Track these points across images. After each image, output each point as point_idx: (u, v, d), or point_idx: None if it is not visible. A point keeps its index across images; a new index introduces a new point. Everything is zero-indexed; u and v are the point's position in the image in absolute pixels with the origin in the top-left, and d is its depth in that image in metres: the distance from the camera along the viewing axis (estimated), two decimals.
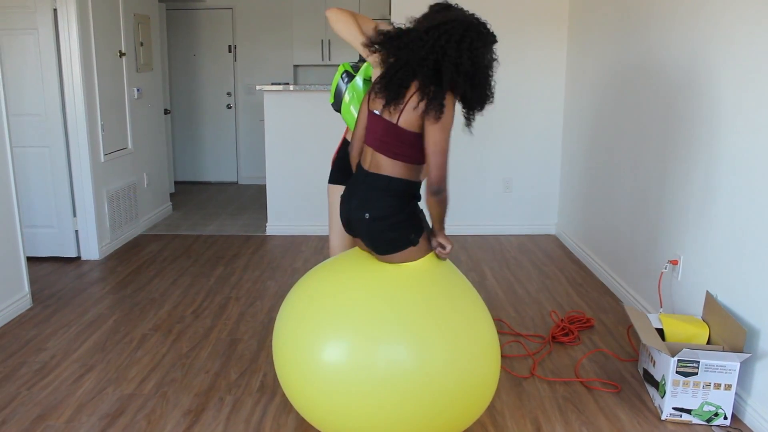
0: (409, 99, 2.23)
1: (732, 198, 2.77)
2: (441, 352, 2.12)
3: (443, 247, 2.36)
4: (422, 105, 2.20)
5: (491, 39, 2.26)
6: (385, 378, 2.08)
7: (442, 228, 2.37)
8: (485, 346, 2.24)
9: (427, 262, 2.35)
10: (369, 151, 2.37)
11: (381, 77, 2.31)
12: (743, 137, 2.69)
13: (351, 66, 2.63)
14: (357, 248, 2.52)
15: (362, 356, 2.10)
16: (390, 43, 2.29)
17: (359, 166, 2.42)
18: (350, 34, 2.52)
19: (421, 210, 2.42)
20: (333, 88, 2.64)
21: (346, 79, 2.59)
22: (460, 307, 2.25)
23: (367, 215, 2.31)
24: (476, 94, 2.29)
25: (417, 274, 2.29)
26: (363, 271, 2.31)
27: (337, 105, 2.68)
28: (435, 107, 2.19)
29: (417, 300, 2.19)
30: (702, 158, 3.04)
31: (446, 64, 2.18)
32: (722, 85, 2.87)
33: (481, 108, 2.34)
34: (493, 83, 2.31)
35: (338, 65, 2.63)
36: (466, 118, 2.39)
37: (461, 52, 2.18)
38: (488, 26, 2.27)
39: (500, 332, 3.51)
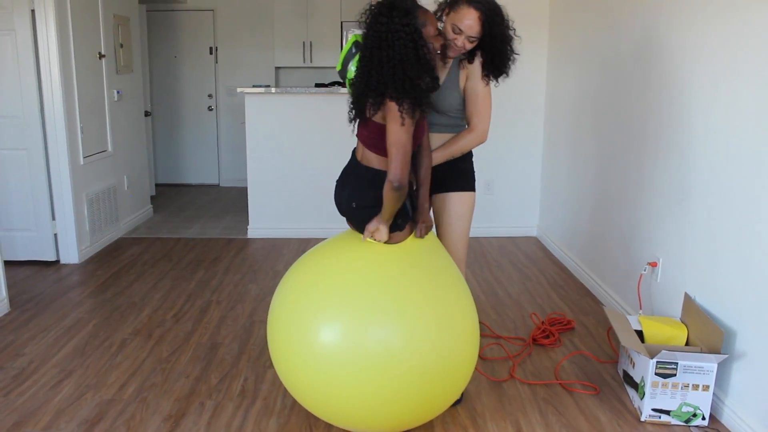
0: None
1: (708, 200, 2.80)
2: (427, 332, 2.22)
3: (374, 235, 2.41)
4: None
5: (401, 10, 2.23)
6: (374, 357, 2.17)
7: (388, 219, 2.37)
8: (466, 326, 2.35)
9: (417, 244, 2.47)
10: (360, 145, 2.49)
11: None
12: (719, 140, 2.72)
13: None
14: (350, 230, 2.61)
15: (353, 337, 2.19)
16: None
17: (353, 155, 2.54)
18: None
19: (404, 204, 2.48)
20: (342, 57, 2.67)
21: (354, 51, 2.59)
22: (444, 289, 2.34)
23: (354, 204, 2.45)
24: (422, 72, 2.28)
25: (407, 257, 2.38)
26: (356, 254, 2.40)
27: (343, 73, 2.70)
28: (375, 106, 2.29)
29: (405, 282, 2.29)
30: (679, 161, 3.07)
31: (383, 75, 2.23)
32: (697, 88, 2.90)
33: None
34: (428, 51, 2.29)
35: (339, 55, 2.65)
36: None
37: (381, 51, 2.22)
38: (387, 6, 2.25)
39: (481, 335, 3.52)
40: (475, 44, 2.58)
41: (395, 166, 2.25)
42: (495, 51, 2.60)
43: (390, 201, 2.30)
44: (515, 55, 2.64)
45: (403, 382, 2.20)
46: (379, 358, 2.17)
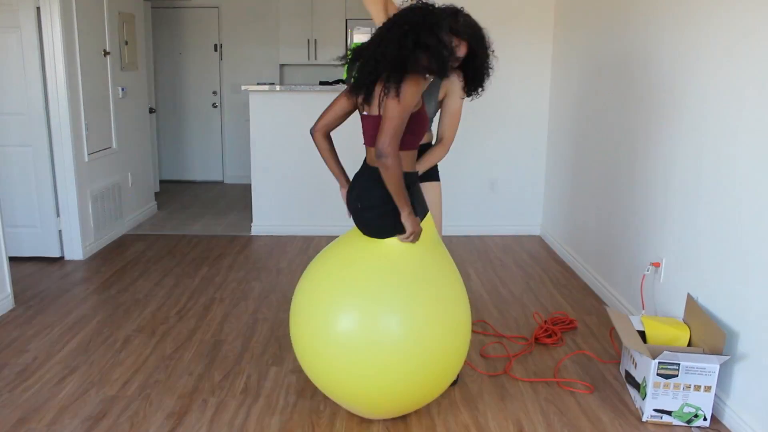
0: (378, 88, 2.38)
1: (713, 201, 2.80)
2: (427, 321, 2.39)
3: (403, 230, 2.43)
4: (384, 88, 2.32)
5: (439, 16, 2.31)
6: (381, 343, 2.35)
7: (404, 206, 2.38)
8: (460, 317, 2.51)
9: (420, 244, 2.52)
10: (368, 149, 2.52)
11: (354, 80, 2.45)
12: (725, 141, 2.72)
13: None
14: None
15: (365, 325, 2.36)
16: (360, 51, 2.45)
17: (365, 160, 2.57)
18: (375, 16, 2.82)
19: (419, 192, 2.54)
20: (347, 66, 2.78)
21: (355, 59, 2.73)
22: (442, 284, 2.49)
23: (359, 205, 2.49)
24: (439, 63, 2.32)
25: (411, 257, 2.48)
26: (367, 251, 2.51)
27: (349, 82, 2.78)
28: (391, 86, 2.29)
29: (410, 278, 2.42)
30: (684, 161, 3.07)
31: (403, 50, 2.27)
32: (704, 89, 2.90)
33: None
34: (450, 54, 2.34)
35: (336, 55, 2.74)
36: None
37: (408, 37, 2.26)
38: (434, 5, 2.35)
39: (484, 333, 3.53)
40: (458, 63, 2.70)
41: (383, 135, 2.26)
42: (476, 69, 2.73)
43: (390, 183, 2.30)
44: (491, 70, 2.76)
45: (404, 365, 2.36)
46: (386, 343, 2.35)
